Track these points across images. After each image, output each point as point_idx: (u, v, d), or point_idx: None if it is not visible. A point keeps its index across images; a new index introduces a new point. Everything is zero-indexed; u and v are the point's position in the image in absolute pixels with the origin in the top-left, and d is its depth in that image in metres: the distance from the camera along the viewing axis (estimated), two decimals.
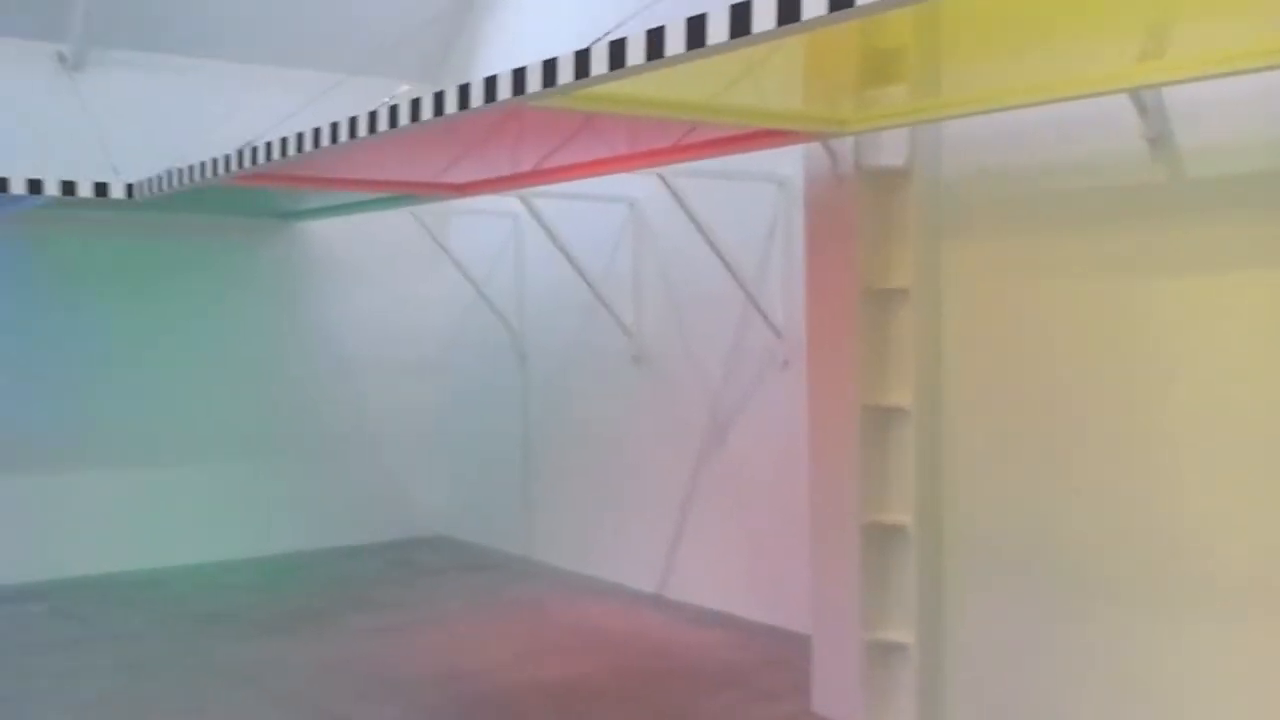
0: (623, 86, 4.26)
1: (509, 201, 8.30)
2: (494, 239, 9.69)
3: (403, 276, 10.28)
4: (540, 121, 5.26)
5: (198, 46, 9.14)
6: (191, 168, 6.66)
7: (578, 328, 8.96)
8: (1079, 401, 4.93)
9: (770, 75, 4.74)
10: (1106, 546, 4.83)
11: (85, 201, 7.71)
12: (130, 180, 7.47)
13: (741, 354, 7.62)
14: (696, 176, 6.96)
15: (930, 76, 5.08)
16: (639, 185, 7.77)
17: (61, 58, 8.77)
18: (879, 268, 5.45)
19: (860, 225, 5.45)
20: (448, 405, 10.47)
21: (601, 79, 3.96)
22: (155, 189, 7.30)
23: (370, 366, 10.19)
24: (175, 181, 6.94)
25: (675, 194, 7.09)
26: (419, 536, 10.29)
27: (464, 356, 10.38)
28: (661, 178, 6.97)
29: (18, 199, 7.92)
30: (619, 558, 8.64)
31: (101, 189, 7.56)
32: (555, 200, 8.18)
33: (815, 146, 5.64)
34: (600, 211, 8.48)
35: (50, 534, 8.82)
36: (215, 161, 6.41)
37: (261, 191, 8.04)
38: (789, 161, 6.66)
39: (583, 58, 3.96)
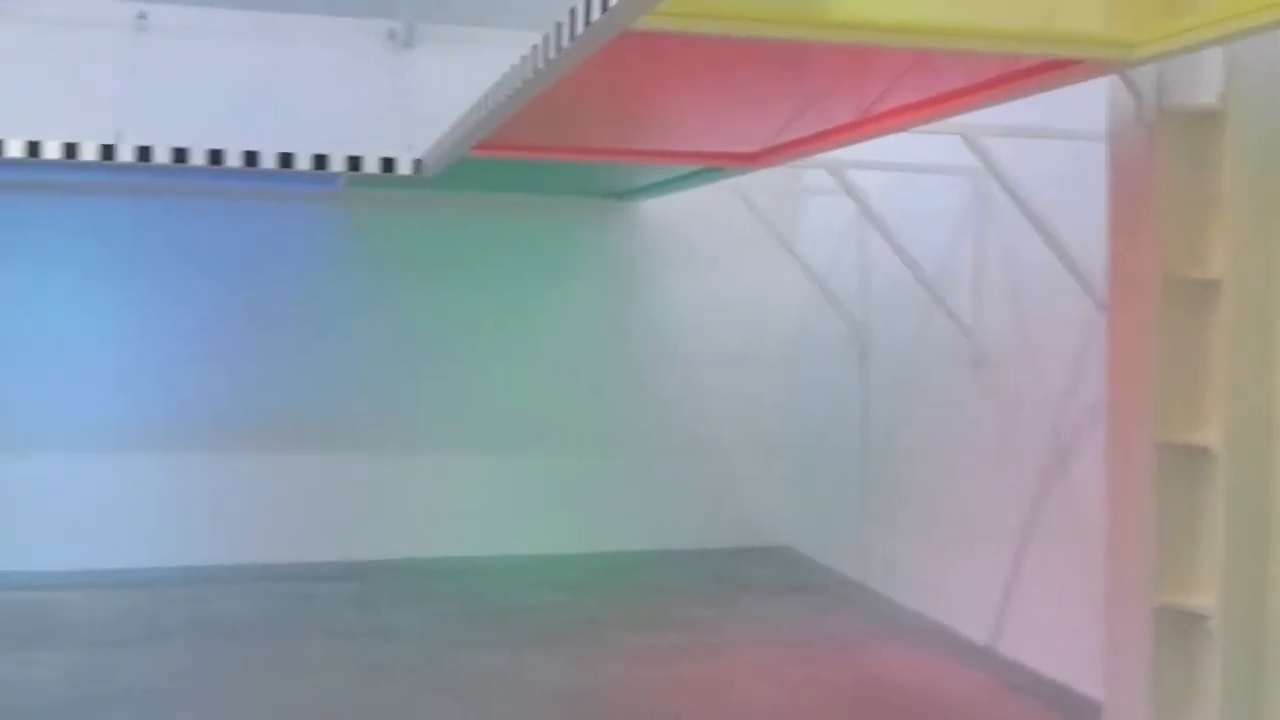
0: None
1: (848, 178, 7.21)
2: (835, 220, 8.56)
3: (737, 262, 9.37)
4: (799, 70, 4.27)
5: (528, 19, 8.70)
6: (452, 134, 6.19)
7: (917, 323, 7.69)
8: None
9: None
10: None
11: (405, 180, 7.53)
12: None
13: (1088, 361, 6.07)
14: (1007, 137, 5.55)
15: None
16: (947, 151, 6.42)
17: (392, 34, 8.65)
18: (1184, 250, 3.90)
19: (1160, 190, 3.92)
20: (786, 403, 9.46)
21: None
22: (436, 162, 6.95)
23: (703, 359, 9.39)
24: (446, 148, 6.54)
25: (985, 159, 5.71)
26: (753, 546, 9.38)
27: (802, 350, 9.34)
28: (966, 140, 5.62)
29: (331, 177, 7.87)
30: (949, 595, 7.30)
31: (389, 164, 7.31)
32: (887, 176, 7.02)
33: (1119, 86, 4.16)
34: (934, 186, 7.18)
35: (367, 516, 8.76)
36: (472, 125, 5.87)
37: (573, 167, 7.51)
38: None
39: None
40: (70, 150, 6.94)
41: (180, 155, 7.08)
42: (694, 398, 9.38)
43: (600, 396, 9.19)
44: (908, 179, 7.40)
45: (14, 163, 7.07)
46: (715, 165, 7.02)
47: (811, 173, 8.35)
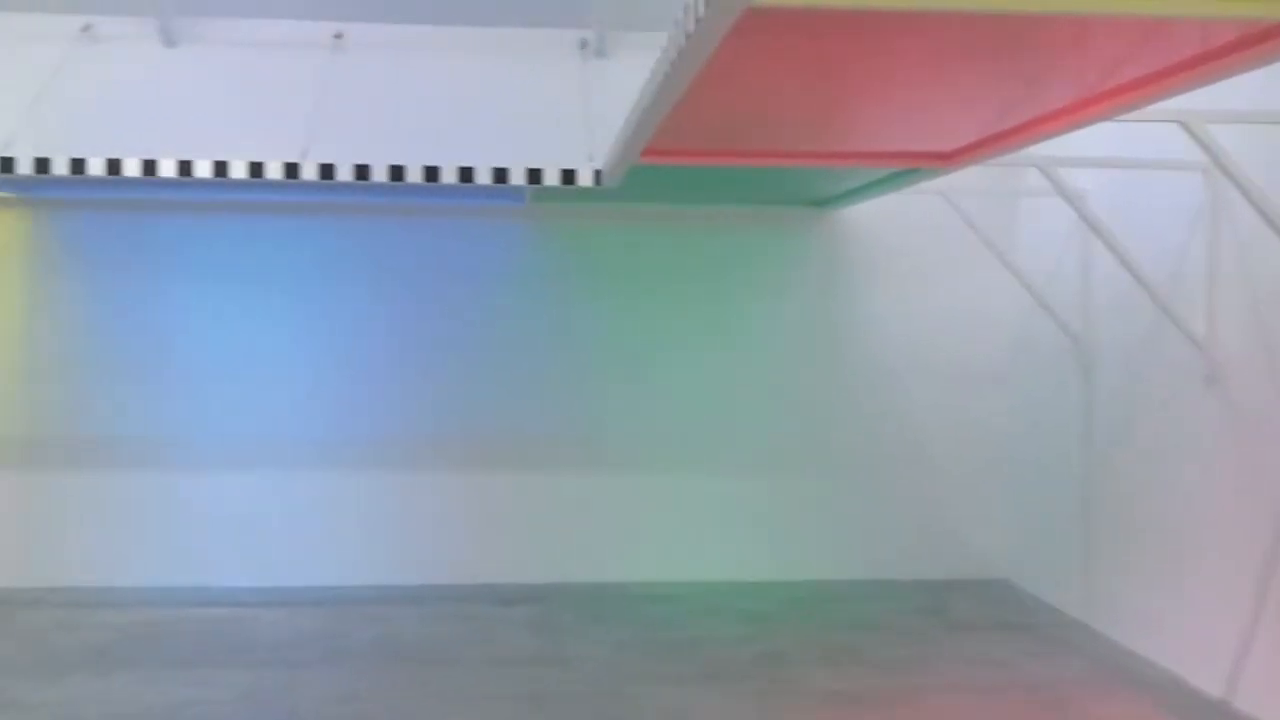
0: None
1: (1060, 177, 6.58)
2: (1052, 224, 7.86)
3: (947, 271, 8.74)
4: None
5: None
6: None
7: (1144, 335, 6.93)
8: None
9: None
10: None
11: (589, 192, 7.32)
12: None
13: None
14: (1236, 123, 4.85)
15: None
16: (1173, 145, 5.71)
17: (584, 44, 8.45)
18: None
19: None
20: (1001, 423, 8.75)
21: None
22: (611, 171, 6.68)
23: (909, 375, 8.78)
24: (616, 156, 6.26)
25: (1211, 150, 5.01)
26: (966, 578, 8.70)
27: (1018, 366, 8.63)
28: (1187, 128, 4.95)
29: (518, 192, 7.72)
30: (1179, 640, 6.52)
31: (569, 176, 7.08)
32: (1107, 175, 6.35)
33: None
34: (1161, 184, 6.45)
35: (550, 538, 8.54)
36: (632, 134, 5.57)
37: (762, 174, 7.14)
38: None
39: None
40: (256, 169, 6.99)
41: (362, 172, 7.04)
42: (900, 417, 8.80)
43: (796, 415, 8.72)
44: (1130, 177, 6.71)
45: (205, 183, 7.18)
46: (911, 166, 6.49)
47: (1025, 172, 7.72)
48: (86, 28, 8.10)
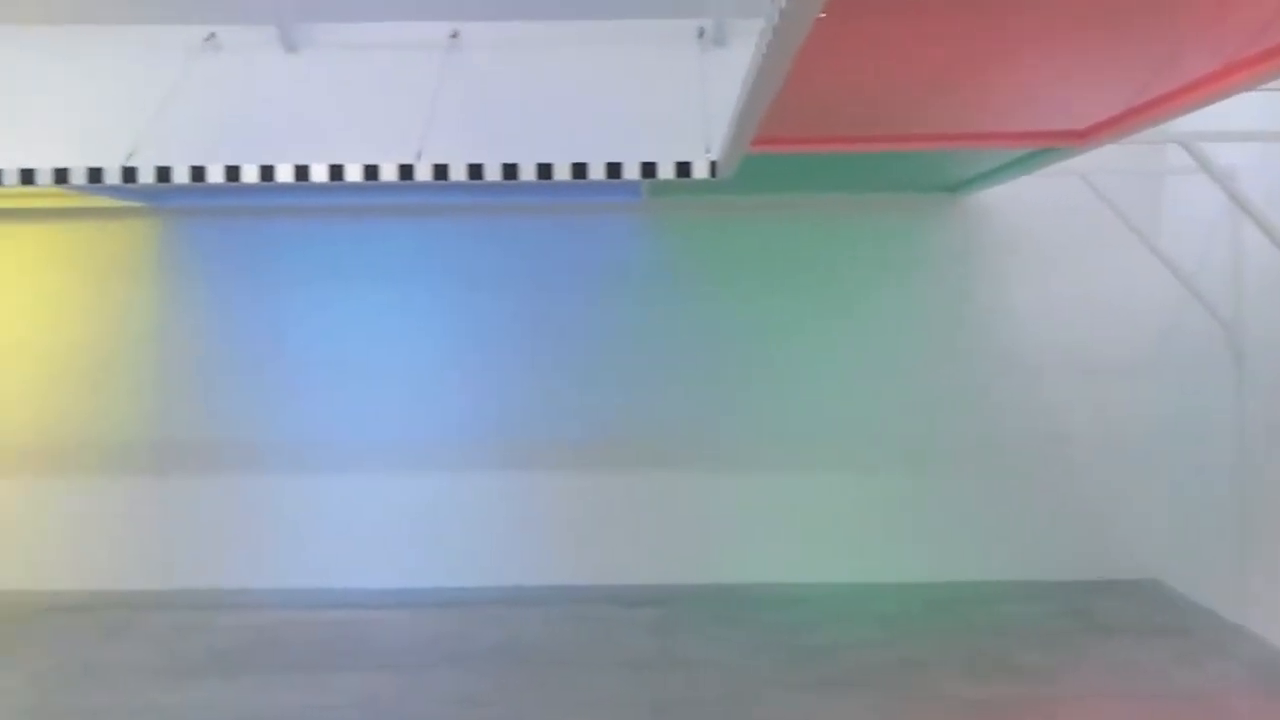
0: None
1: (1212, 154, 6.17)
2: (1201, 205, 7.40)
3: (1088, 257, 8.31)
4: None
5: None
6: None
7: None
8: None
9: None
10: None
11: (706, 185, 7.13)
12: None
13: None
14: None
15: None
16: None
17: (701, 33, 8.24)
18: None
19: None
20: (1149, 415, 8.28)
21: None
22: (725, 162, 6.49)
23: (1050, 367, 8.37)
24: (728, 146, 6.07)
25: None
26: (1112, 578, 8.26)
27: (1166, 355, 8.16)
28: None
29: (633, 186, 7.57)
30: None
31: (684, 169, 6.89)
32: (1260, 152, 5.91)
33: None
34: None
35: (675, 538, 8.38)
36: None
37: (887, 159, 6.87)
38: None
39: None
40: (371, 172, 6.97)
41: (476, 171, 6.96)
42: (1040, 410, 8.39)
43: (929, 409, 8.39)
44: None
45: (325, 187, 7.19)
46: (1043, 146, 6.14)
47: (1168, 149, 7.29)
48: (210, 37, 8.20)
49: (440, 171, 6.94)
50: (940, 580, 8.18)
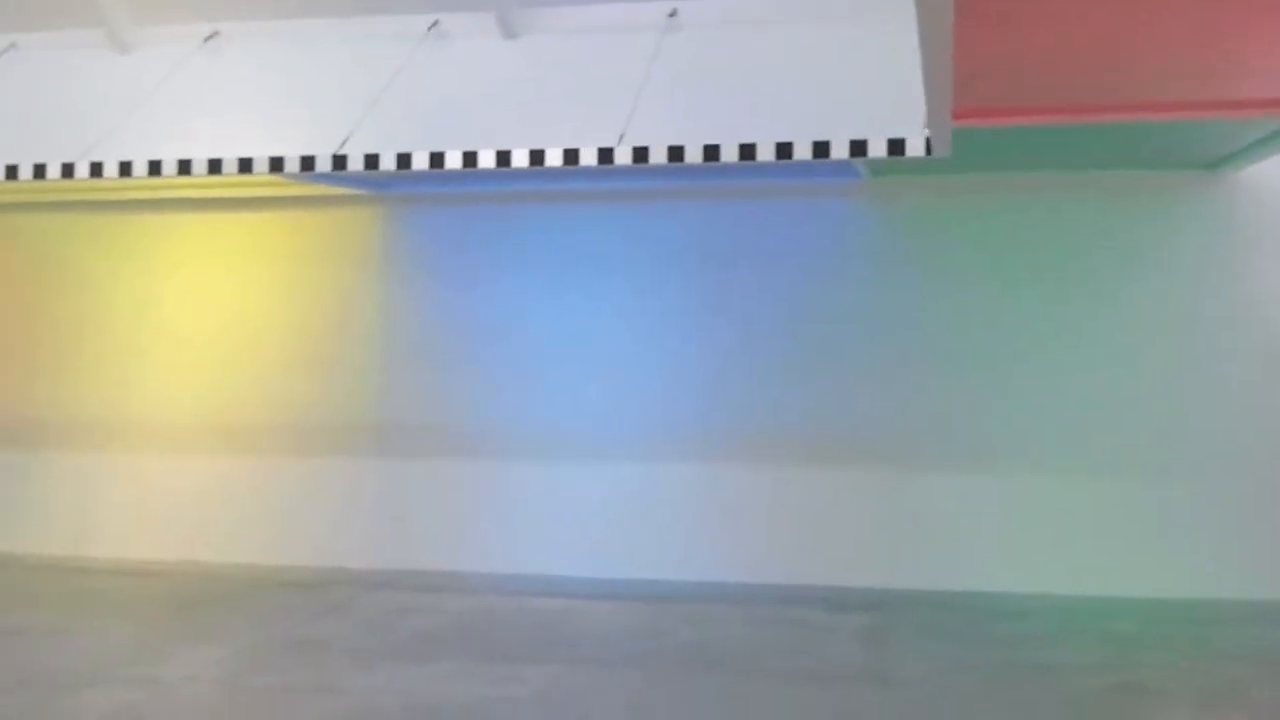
0: None
1: None
2: None
3: None
4: None
5: None
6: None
7: None
8: None
9: None
10: None
11: (930, 164, 6.67)
12: None
13: None
14: None
15: None
16: None
17: None
18: None
19: None
20: None
21: None
22: (937, 141, 6.02)
23: None
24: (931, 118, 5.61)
25: None
26: None
27: None
28: None
29: (843, 166, 7.16)
30: None
31: (897, 146, 6.43)
32: None
33: None
34: None
35: (891, 539, 7.91)
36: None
37: (1128, 131, 6.27)
38: None
39: None
40: (570, 156, 6.85)
41: (676, 153, 6.73)
42: None
43: (1173, 409, 7.62)
44: None
45: (524, 173, 7.13)
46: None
47: None
48: (434, 25, 8.28)
49: (640, 154, 6.76)
50: (1175, 596, 7.42)
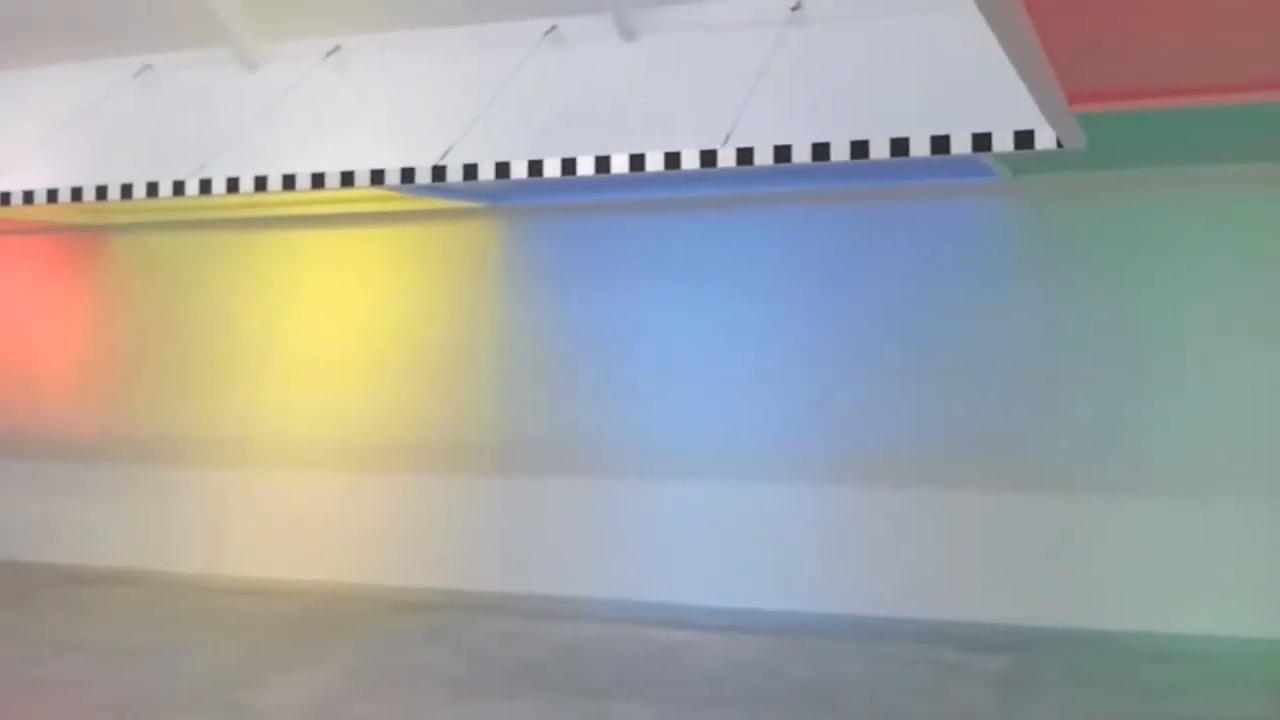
0: None
1: None
2: None
3: None
4: None
5: None
6: None
7: None
8: None
9: None
10: None
11: (1073, 158, 6.09)
12: None
13: None
14: None
15: None
16: None
17: None
18: None
19: None
20: None
21: None
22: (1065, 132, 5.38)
23: None
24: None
25: None
26: None
27: None
28: None
29: (969, 163, 6.53)
30: None
31: (1025, 139, 5.80)
32: None
33: None
34: None
35: (1037, 570, 7.20)
36: None
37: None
38: None
39: None
40: (672, 160, 6.45)
41: (782, 154, 6.25)
42: None
43: None
44: None
45: (652, 180, 6.83)
46: None
47: None
48: (551, 30, 8.00)
49: (744, 155, 6.31)
50: None
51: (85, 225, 9.51)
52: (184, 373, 9.17)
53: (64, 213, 9.02)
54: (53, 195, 7.84)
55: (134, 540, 9.24)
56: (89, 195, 7.79)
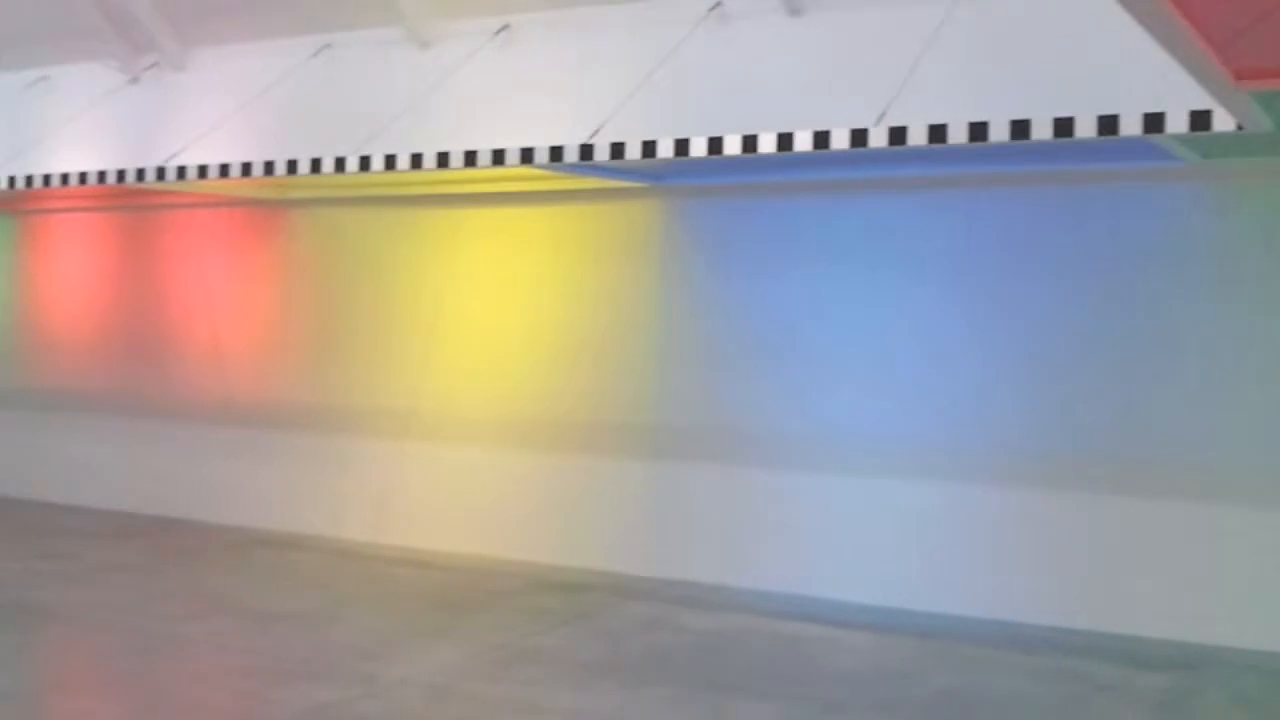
0: None
1: None
2: None
3: None
4: None
5: None
6: None
7: None
8: None
9: None
10: None
11: (1244, 140, 5.60)
12: None
13: None
14: None
15: None
16: None
17: None
18: None
19: None
20: None
21: None
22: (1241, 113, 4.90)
23: None
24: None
25: None
26: None
27: None
28: None
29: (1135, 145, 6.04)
30: None
31: (1201, 119, 5.33)
32: None
33: None
34: None
35: (1211, 584, 6.63)
36: None
37: None
38: None
39: None
40: (821, 140, 6.19)
41: (938, 133, 5.92)
42: None
43: None
44: None
45: (812, 160, 6.64)
46: None
47: None
48: (716, 5, 7.80)
49: (897, 135, 6.00)
50: None
51: (265, 200, 9.83)
52: (356, 345, 9.40)
53: (248, 186, 9.35)
54: (246, 169, 8.12)
55: (306, 505, 9.54)
56: (280, 170, 8.03)
